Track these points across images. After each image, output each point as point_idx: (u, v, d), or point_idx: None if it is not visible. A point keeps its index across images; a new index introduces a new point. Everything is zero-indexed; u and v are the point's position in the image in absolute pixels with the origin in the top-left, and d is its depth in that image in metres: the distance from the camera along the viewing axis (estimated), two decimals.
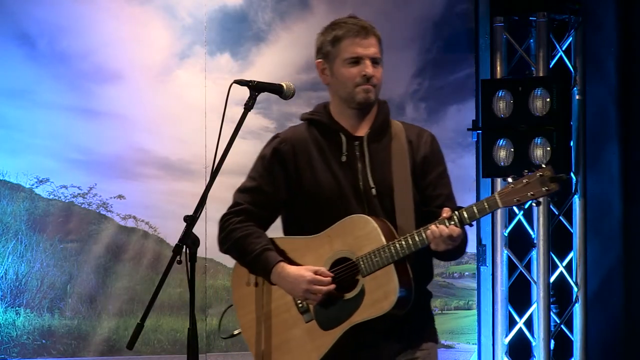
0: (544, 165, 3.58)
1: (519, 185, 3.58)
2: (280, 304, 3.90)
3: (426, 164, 3.87)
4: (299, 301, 3.88)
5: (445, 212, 3.67)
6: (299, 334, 3.89)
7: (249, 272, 3.95)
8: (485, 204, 3.63)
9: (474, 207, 3.65)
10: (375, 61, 3.87)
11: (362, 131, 3.91)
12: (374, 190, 3.85)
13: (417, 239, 3.71)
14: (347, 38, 3.88)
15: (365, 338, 3.85)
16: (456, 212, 3.67)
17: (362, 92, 3.86)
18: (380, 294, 3.74)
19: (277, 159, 3.97)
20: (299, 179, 3.93)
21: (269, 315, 3.95)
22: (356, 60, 3.86)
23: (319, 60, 3.94)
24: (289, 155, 3.95)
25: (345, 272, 3.82)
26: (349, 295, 3.80)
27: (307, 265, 3.85)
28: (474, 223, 3.75)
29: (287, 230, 3.99)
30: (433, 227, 3.68)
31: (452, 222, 3.67)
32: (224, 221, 3.97)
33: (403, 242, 3.71)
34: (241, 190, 4.01)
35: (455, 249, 3.75)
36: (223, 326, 6.87)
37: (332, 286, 3.80)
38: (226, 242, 3.95)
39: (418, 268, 3.82)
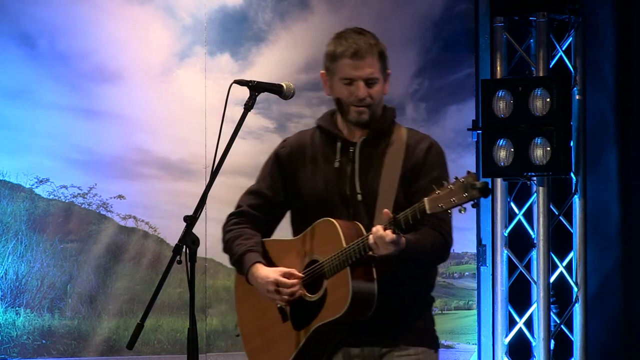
0: (469, 172, 3.56)
1: (444, 191, 3.57)
2: (267, 303, 3.98)
3: (416, 171, 3.87)
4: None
5: (385, 214, 3.69)
6: (278, 333, 3.98)
7: (237, 272, 4.06)
8: (416, 209, 3.63)
9: (408, 212, 3.65)
10: (370, 81, 3.88)
11: (359, 137, 3.95)
12: (359, 196, 3.89)
13: (363, 242, 3.74)
14: (343, 58, 3.88)
15: (345, 339, 3.90)
16: (394, 216, 3.67)
17: (355, 112, 3.91)
18: (337, 297, 3.79)
19: (277, 163, 4.06)
20: (294, 183, 4.01)
21: (258, 315, 4.04)
22: (350, 82, 3.89)
23: (322, 72, 3.98)
24: (287, 160, 4.03)
25: (313, 274, 3.89)
26: (314, 297, 3.87)
27: (280, 268, 3.93)
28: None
29: (293, 232, 4.07)
30: (374, 229, 3.70)
31: (389, 226, 3.67)
32: (225, 223, 4.09)
33: (354, 246, 3.76)
34: (245, 193, 4.11)
35: (404, 256, 3.74)
36: (223, 326, 6.90)
37: (295, 288, 3.88)
38: (223, 243, 4.07)
39: (408, 275, 3.86)
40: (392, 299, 3.85)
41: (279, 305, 3.95)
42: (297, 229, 4.02)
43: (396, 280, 3.85)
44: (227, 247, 4.04)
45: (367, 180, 3.89)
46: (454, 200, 3.54)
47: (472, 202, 3.53)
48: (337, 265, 3.79)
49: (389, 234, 3.66)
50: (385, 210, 3.69)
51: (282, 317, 3.96)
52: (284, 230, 4.13)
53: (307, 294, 3.89)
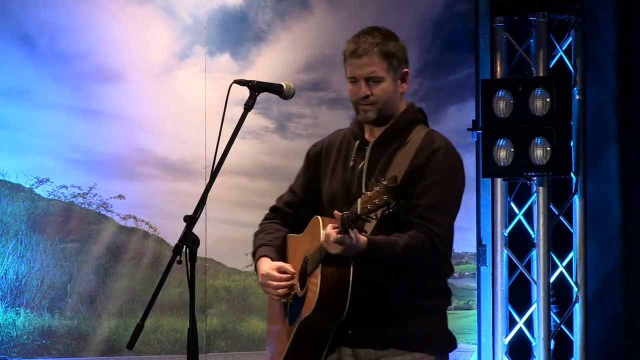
0: (392, 174, 3.55)
1: (372, 193, 3.56)
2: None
3: (417, 172, 3.85)
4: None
5: (335, 214, 3.70)
6: (280, 328, 4.05)
7: None
8: (352, 210, 3.62)
9: (348, 213, 3.65)
10: (372, 80, 3.89)
11: (374, 137, 3.97)
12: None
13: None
14: (347, 57, 3.92)
15: (342, 338, 3.91)
16: (341, 216, 3.67)
17: (361, 110, 3.94)
18: (311, 294, 3.82)
19: (307, 162, 4.13)
20: (318, 183, 4.06)
21: (276, 308, 4.10)
22: (354, 80, 3.91)
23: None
24: (315, 159, 4.09)
25: (303, 270, 3.92)
26: (300, 293, 3.91)
27: (289, 263, 3.99)
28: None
29: None
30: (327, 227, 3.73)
31: (338, 226, 3.67)
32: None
33: (318, 245, 3.78)
34: (287, 189, 4.19)
35: (370, 256, 3.73)
36: (223, 326, 6.90)
37: (284, 283, 3.92)
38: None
39: (401, 278, 3.85)
40: (384, 301, 3.85)
41: (282, 300, 4.01)
42: None
43: (388, 284, 3.85)
44: (253, 240, 4.14)
45: (372, 180, 3.88)
46: (376, 202, 3.53)
47: (392, 204, 3.51)
48: (314, 262, 3.82)
49: (333, 233, 3.66)
50: (335, 210, 3.71)
51: (284, 311, 4.02)
52: None
53: (299, 289, 3.92)
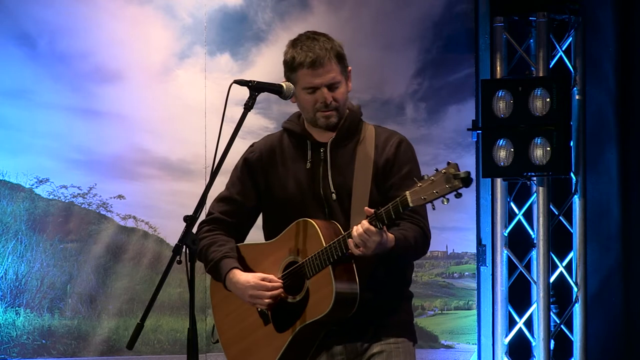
0: (449, 162, 3.55)
1: (426, 183, 3.57)
2: (246, 308, 3.99)
3: (388, 166, 3.90)
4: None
5: (366, 211, 3.70)
6: (260, 337, 3.99)
7: (213, 279, 4.08)
8: (398, 202, 3.63)
9: (389, 206, 3.66)
10: (333, 85, 3.90)
11: (328, 138, 3.97)
12: (334, 195, 3.92)
13: (344, 239, 3.76)
14: (302, 68, 3.89)
15: (328, 337, 3.92)
16: (375, 212, 3.69)
17: (322, 117, 3.94)
18: (320, 296, 3.81)
19: (246, 168, 4.07)
20: (266, 187, 4.03)
21: (238, 320, 4.05)
22: (313, 90, 3.90)
23: (284, 80, 3.99)
24: (257, 164, 4.05)
25: (293, 275, 3.90)
26: (296, 298, 3.88)
27: (257, 272, 3.95)
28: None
29: (265, 236, 4.09)
30: (356, 226, 3.71)
31: (372, 222, 3.68)
32: (197, 231, 4.07)
33: (335, 244, 3.77)
34: (216, 200, 4.12)
35: (394, 253, 3.77)
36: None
37: (277, 291, 3.89)
38: (197, 251, 4.01)
39: (387, 270, 3.90)
40: (373, 294, 3.87)
41: (259, 310, 3.96)
42: (270, 231, 4.03)
43: (376, 277, 3.88)
44: (202, 254, 4.05)
45: (340, 180, 3.92)
46: (436, 192, 3.54)
47: (454, 193, 3.53)
48: (318, 265, 3.81)
49: (372, 228, 3.66)
50: (366, 207, 3.72)
51: (263, 321, 3.97)
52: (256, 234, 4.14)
53: (288, 295, 3.90)
